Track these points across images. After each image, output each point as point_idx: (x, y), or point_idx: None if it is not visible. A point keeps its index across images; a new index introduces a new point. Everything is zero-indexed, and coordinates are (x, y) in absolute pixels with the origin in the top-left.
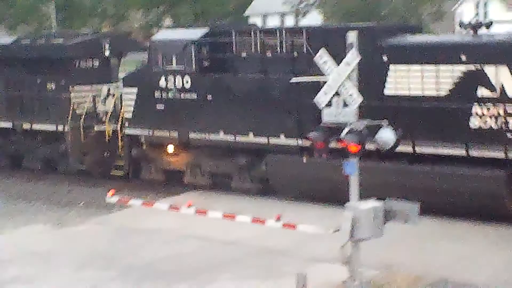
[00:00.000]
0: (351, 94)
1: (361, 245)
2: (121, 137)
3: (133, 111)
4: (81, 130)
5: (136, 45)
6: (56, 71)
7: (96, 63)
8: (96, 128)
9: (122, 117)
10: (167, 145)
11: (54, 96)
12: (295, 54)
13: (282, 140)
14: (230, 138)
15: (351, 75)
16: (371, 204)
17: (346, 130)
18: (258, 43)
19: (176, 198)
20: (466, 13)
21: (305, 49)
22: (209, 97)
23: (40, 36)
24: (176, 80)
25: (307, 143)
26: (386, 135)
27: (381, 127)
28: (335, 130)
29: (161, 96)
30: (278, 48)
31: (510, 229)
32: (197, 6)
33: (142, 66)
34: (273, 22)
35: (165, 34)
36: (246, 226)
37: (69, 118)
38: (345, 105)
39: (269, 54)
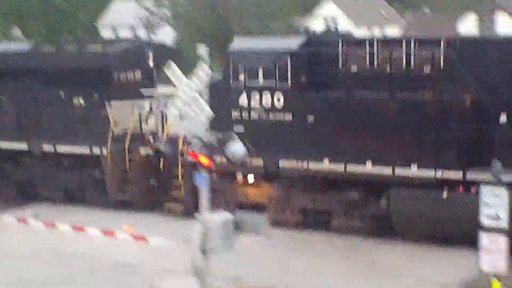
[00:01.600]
0: (201, 106)
1: (212, 257)
2: (181, 163)
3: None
4: (127, 153)
5: (178, 54)
6: (87, 84)
7: (139, 75)
8: (142, 151)
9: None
10: (247, 174)
11: (85, 113)
12: (427, 69)
13: (413, 171)
14: (338, 167)
15: (202, 88)
16: (222, 216)
17: (196, 142)
18: (376, 56)
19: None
20: (317, 28)
21: (442, 63)
22: (310, 118)
23: (63, 42)
24: (264, 98)
25: (449, 175)
26: (237, 148)
27: (231, 140)
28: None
29: (241, 116)
30: (404, 62)
31: (358, 240)
32: (46, 19)
33: (214, 80)
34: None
35: (248, 43)
36: (97, 239)
37: (109, 139)
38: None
39: (390, 69)
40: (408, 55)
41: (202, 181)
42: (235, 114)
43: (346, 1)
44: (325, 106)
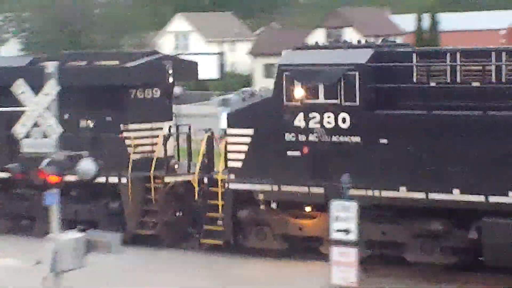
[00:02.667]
0: (50, 124)
1: (64, 276)
2: (221, 193)
3: (244, 158)
4: (152, 181)
5: (195, 69)
6: (97, 104)
7: (157, 93)
8: (167, 179)
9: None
10: (303, 204)
11: (96, 137)
12: None
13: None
14: (419, 195)
15: (50, 106)
16: (73, 235)
17: (45, 161)
18: (458, 69)
19: None
20: (167, 44)
21: None
22: (383, 141)
23: (68, 55)
24: (325, 118)
25: None
26: (87, 166)
27: (81, 158)
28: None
29: (297, 139)
30: (493, 75)
31: (218, 257)
32: None
33: (259, 99)
34: None
35: (305, 56)
36: None
37: (129, 166)
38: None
39: (477, 83)
40: (498, 67)
41: (52, 200)
42: (289, 136)
43: (197, 17)
44: (403, 127)
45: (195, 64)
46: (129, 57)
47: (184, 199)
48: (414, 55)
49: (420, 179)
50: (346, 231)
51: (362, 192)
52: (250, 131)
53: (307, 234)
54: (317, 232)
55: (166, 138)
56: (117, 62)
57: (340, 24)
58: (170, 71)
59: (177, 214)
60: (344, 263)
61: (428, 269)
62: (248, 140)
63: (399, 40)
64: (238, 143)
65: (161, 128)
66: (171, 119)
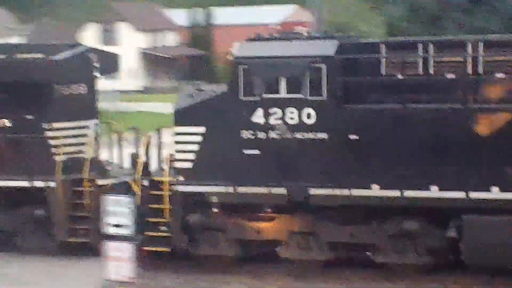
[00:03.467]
0: None
1: None
2: (167, 196)
3: (195, 159)
4: (86, 185)
5: (117, 62)
6: (16, 101)
7: (83, 89)
8: (101, 182)
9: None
10: (261, 206)
11: (16, 138)
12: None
13: (494, 194)
14: (393, 194)
15: None
16: None
17: None
18: (430, 61)
19: None
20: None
21: None
22: (353, 136)
23: None
24: (287, 114)
25: None
26: None
27: None
28: None
29: (256, 136)
30: (470, 67)
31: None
32: None
33: (211, 94)
34: None
35: (260, 48)
36: None
37: (57, 169)
38: None
39: (452, 75)
40: (475, 58)
41: None
42: (246, 134)
43: None
44: (374, 122)
45: (117, 56)
46: (52, 50)
47: None
48: (383, 46)
49: (394, 176)
50: (120, 226)
51: (332, 192)
52: (201, 129)
53: (265, 238)
54: (276, 235)
55: (95, 137)
56: (40, 55)
57: (113, 18)
58: (96, 65)
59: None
60: (119, 259)
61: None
62: (198, 138)
63: (172, 35)
64: (187, 142)
65: (88, 127)
66: (97, 117)
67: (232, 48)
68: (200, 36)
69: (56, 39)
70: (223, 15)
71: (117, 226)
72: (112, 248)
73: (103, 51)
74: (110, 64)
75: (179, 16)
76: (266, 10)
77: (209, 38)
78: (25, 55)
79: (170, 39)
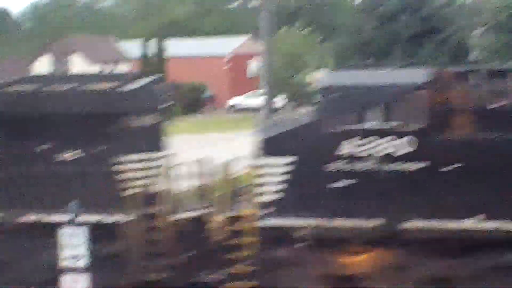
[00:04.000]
0: None
1: None
2: (250, 230)
3: (281, 191)
4: (163, 219)
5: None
6: (84, 133)
7: (151, 120)
8: (175, 217)
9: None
10: (350, 240)
11: (84, 171)
12: None
13: None
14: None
15: None
16: None
17: None
18: None
19: None
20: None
21: None
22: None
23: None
24: (383, 143)
25: None
26: None
27: None
28: None
29: (348, 167)
30: None
31: None
32: None
33: (298, 123)
34: None
35: (350, 77)
36: None
37: (130, 203)
38: None
39: None
40: None
41: None
42: (338, 164)
43: None
44: (479, 151)
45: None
46: (120, 80)
47: (195, 238)
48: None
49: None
50: (76, 258)
51: (427, 224)
52: (288, 160)
53: (353, 273)
54: (365, 270)
55: (167, 170)
56: (109, 85)
57: (65, 50)
58: (165, 96)
59: (187, 256)
60: None
61: None
62: (285, 170)
63: (125, 66)
64: (272, 174)
65: (157, 159)
66: (165, 149)
67: (318, 77)
68: (152, 67)
69: (8, 72)
70: (176, 47)
71: (72, 258)
72: (69, 280)
73: (165, 82)
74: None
75: (133, 48)
76: (217, 42)
77: (161, 69)
78: (92, 86)
79: (122, 70)
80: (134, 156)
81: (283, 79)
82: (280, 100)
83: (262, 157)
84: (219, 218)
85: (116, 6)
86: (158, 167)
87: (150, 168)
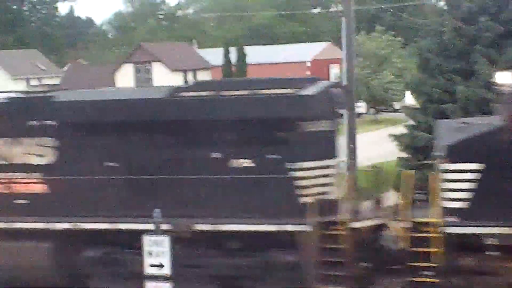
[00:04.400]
0: None
1: None
2: (436, 238)
3: (470, 198)
4: (342, 228)
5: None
6: (257, 140)
7: (327, 126)
8: (355, 225)
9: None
10: None
11: (257, 179)
12: None
13: None
14: None
15: None
16: None
17: None
18: None
19: None
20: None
21: None
22: None
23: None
24: None
25: None
26: None
27: None
28: None
29: None
30: None
31: None
32: None
33: (485, 128)
34: None
35: None
36: None
37: (309, 211)
38: None
39: None
40: None
41: None
42: None
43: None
44: None
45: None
46: (298, 85)
47: (375, 246)
48: None
49: None
50: (160, 266)
51: None
52: (477, 166)
53: None
54: None
55: (343, 177)
56: (288, 90)
57: (147, 59)
58: (340, 100)
59: (364, 265)
60: None
61: None
62: (474, 176)
63: (205, 74)
64: (459, 180)
65: (333, 166)
66: (340, 155)
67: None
68: (235, 75)
69: (90, 81)
70: (255, 54)
71: (156, 266)
72: None
73: (342, 85)
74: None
75: (212, 56)
76: (297, 48)
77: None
78: (270, 91)
79: (203, 77)
80: (311, 163)
81: (364, 83)
82: (361, 105)
83: (447, 163)
84: (399, 225)
85: (197, 14)
86: (334, 174)
87: (327, 175)
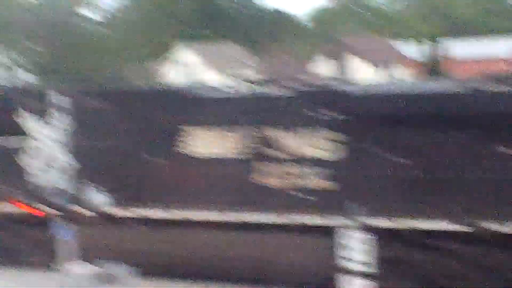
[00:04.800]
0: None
1: None
2: None
3: None
4: None
5: None
6: None
7: None
8: None
9: None
10: None
11: None
12: None
13: None
14: None
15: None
16: (84, 267)
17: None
18: None
19: None
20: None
21: None
22: None
23: None
24: None
25: None
26: (95, 197)
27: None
28: None
29: None
30: None
31: None
32: None
33: None
34: None
35: None
36: None
37: None
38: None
39: None
40: None
41: (65, 233)
42: None
43: (202, 46)
44: None
45: None
46: None
47: None
48: None
49: None
50: (355, 261)
51: None
52: None
53: None
54: None
55: None
56: None
57: (341, 51)
58: None
59: None
60: None
61: None
62: None
63: (402, 68)
64: None
65: None
66: None
67: None
68: (434, 70)
69: (284, 73)
70: (454, 47)
71: (351, 260)
72: (347, 284)
73: None
74: None
75: (407, 49)
76: (505, 42)
77: (444, 72)
78: None
79: (401, 73)
80: None
81: None
82: None
83: None
84: None
85: (390, 5)
86: None
87: None
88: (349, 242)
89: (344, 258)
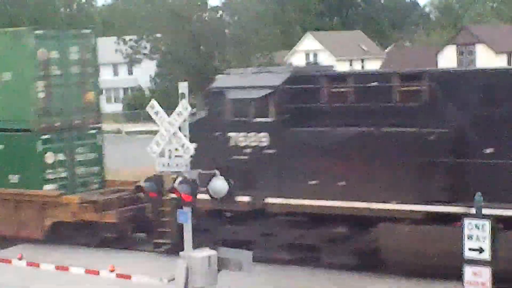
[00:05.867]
0: (183, 144)
1: None
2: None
3: None
4: None
5: None
6: None
7: None
8: None
9: None
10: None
11: None
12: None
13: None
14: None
15: (183, 125)
16: (206, 252)
17: (178, 180)
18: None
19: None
20: (298, 62)
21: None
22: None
23: None
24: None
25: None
26: (219, 184)
27: (213, 176)
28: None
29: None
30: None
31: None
32: None
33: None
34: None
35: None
36: (80, 279)
37: None
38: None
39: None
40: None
41: (185, 218)
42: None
43: (326, 36)
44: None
45: None
46: None
47: None
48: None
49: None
50: (479, 250)
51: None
52: None
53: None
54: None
55: None
56: None
57: (470, 41)
58: None
59: None
60: (477, 283)
61: None
62: None
63: None
64: None
65: None
66: None
67: None
68: None
69: (414, 62)
70: None
71: (475, 250)
72: (470, 273)
73: None
74: None
75: None
76: None
77: None
78: None
79: None
80: None
81: None
82: None
83: None
84: None
85: None
86: None
87: None
88: (474, 231)
89: (469, 247)
